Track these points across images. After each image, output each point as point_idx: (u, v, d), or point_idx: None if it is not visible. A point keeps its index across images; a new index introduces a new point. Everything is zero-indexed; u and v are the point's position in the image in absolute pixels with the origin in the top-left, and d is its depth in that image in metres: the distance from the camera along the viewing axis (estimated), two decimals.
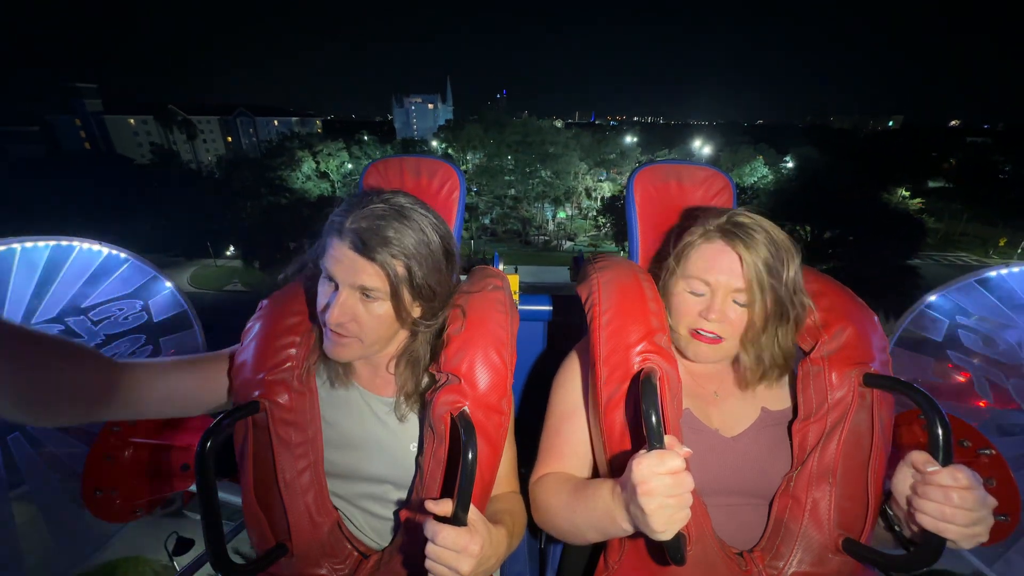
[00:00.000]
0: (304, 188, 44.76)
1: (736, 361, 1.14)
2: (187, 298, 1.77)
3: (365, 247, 0.94)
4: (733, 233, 1.03)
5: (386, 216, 0.97)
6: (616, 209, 38.68)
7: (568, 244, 46.93)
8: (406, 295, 1.01)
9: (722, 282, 1.04)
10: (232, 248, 38.99)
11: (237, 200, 39.93)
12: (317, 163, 47.11)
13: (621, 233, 38.16)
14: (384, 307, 1.01)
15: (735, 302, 1.05)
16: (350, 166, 48.95)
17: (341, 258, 0.96)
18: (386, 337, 1.08)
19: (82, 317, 1.55)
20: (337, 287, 0.99)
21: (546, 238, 47.46)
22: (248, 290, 34.74)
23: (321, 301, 1.02)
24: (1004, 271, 1.44)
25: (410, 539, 1.06)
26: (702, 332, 1.07)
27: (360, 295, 1.00)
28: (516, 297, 1.45)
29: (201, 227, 36.87)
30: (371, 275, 0.97)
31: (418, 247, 1.00)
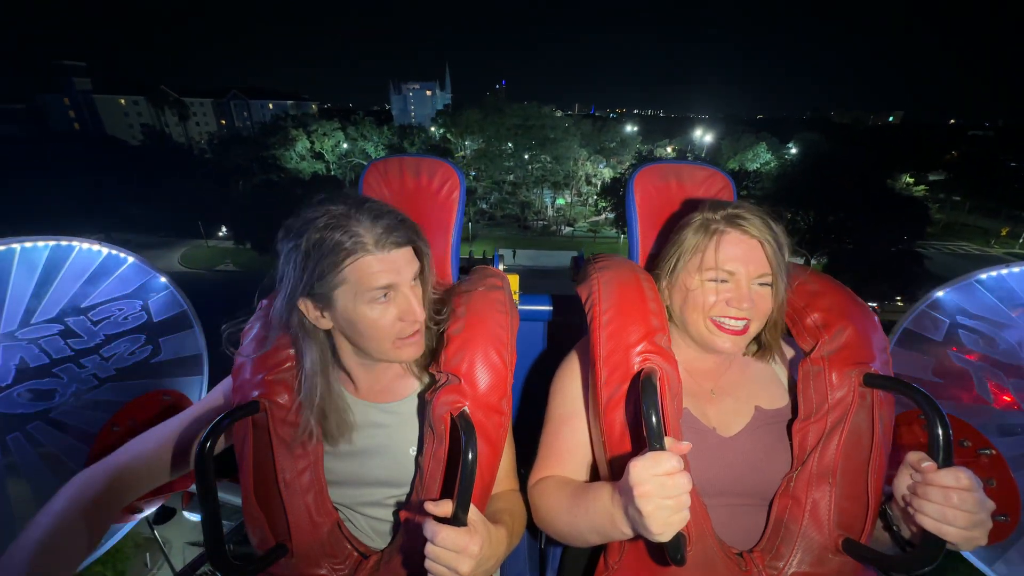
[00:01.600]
0: (298, 168, 44.22)
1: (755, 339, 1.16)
2: (187, 298, 1.76)
3: (404, 238, 0.99)
4: (744, 221, 1.06)
5: (374, 205, 1.00)
6: (616, 192, 38.55)
7: (567, 229, 46.85)
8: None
9: (744, 271, 1.05)
10: (224, 229, 38.80)
11: (229, 179, 39.55)
12: (312, 143, 46.48)
13: (621, 217, 38.08)
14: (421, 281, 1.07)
15: (759, 284, 1.07)
16: (345, 146, 48.20)
17: (393, 265, 0.98)
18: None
19: (82, 317, 1.54)
20: (391, 294, 1.00)
21: (545, 223, 47.35)
22: (240, 270, 34.64)
23: (385, 319, 1.00)
24: (1004, 271, 1.44)
25: (410, 539, 1.07)
26: (727, 323, 1.08)
27: (413, 283, 1.04)
28: (516, 297, 1.45)
29: (192, 207, 36.70)
30: (412, 259, 1.03)
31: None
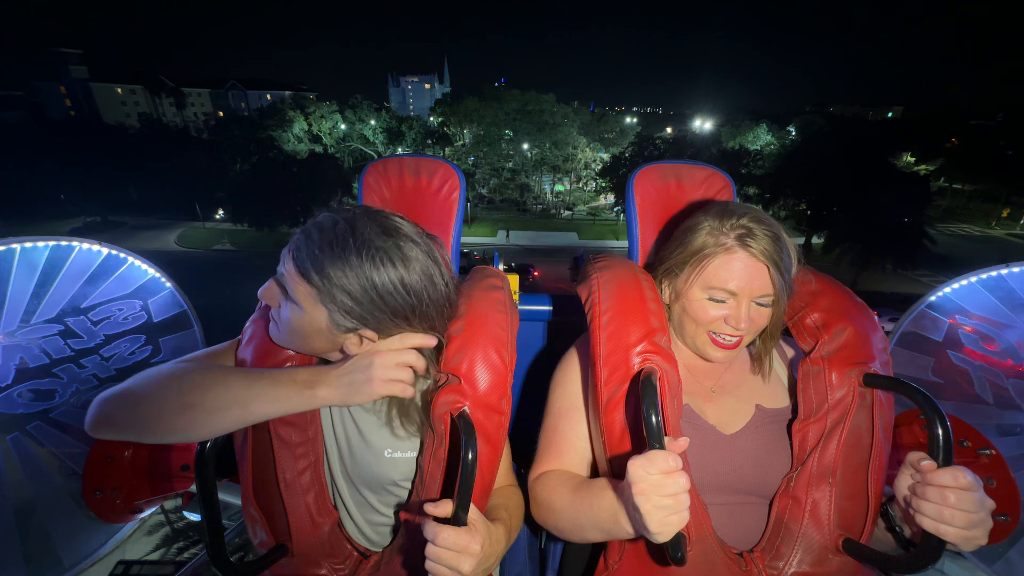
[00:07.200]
0: (296, 150, 43.67)
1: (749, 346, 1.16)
2: (187, 298, 1.75)
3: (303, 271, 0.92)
4: (754, 241, 1.03)
5: (338, 238, 0.92)
6: (617, 172, 38.34)
7: (566, 213, 47.12)
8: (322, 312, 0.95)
9: (747, 292, 1.04)
10: (221, 212, 38.86)
11: (226, 160, 39.43)
12: (309, 124, 45.80)
13: (620, 198, 38.05)
14: (292, 312, 0.96)
15: (758, 304, 1.06)
16: (343, 127, 47.29)
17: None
18: (312, 348, 1.03)
19: (82, 317, 1.54)
20: None
21: (544, 207, 47.53)
22: (237, 249, 34.71)
23: None
24: (1004, 271, 1.44)
25: (410, 539, 1.07)
26: (723, 337, 1.08)
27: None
28: (516, 297, 1.44)
29: (189, 189, 36.72)
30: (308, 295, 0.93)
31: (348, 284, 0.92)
